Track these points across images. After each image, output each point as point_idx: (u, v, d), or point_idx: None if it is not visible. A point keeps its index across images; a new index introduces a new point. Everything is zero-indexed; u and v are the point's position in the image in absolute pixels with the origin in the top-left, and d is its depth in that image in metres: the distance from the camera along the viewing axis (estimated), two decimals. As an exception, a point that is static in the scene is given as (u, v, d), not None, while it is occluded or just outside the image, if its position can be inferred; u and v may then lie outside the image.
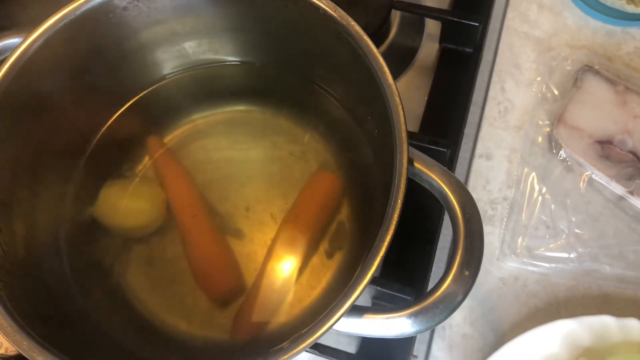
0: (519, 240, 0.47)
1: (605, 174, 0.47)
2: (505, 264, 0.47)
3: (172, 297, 0.43)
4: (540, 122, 0.51)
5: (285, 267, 0.43)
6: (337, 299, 0.31)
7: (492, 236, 0.48)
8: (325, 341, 0.45)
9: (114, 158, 0.47)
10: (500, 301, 0.47)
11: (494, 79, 0.53)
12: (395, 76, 0.35)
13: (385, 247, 0.32)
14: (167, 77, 0.48)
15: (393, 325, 0.33)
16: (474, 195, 0.35)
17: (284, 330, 0.41)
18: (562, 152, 0.49)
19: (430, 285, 0.36)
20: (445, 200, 0.35)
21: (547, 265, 0.47)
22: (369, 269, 0.32)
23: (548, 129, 0.50)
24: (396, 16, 0.57)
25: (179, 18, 0.43)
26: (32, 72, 0.38)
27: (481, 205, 0.49)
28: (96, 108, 0.46)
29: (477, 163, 0.51)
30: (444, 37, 0.55)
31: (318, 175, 0.46)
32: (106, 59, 0.43)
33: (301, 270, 0.43)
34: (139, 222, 0.45)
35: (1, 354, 0.42)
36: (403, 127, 0.34)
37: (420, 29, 0.56)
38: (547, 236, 0.47)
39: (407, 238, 0.46)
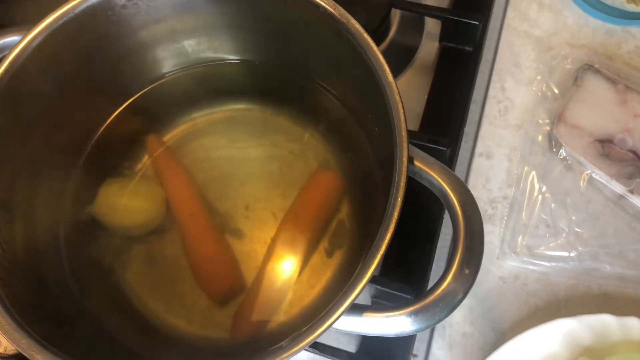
0: (519, 239, 0.47)
1: (605, 172, 0.47)
2: (505, 262, 0.47)
3: (171, 296, 0.43)
4: (541, 121, 0.51)
5: (285, 265, 0.43)
6: (337, 298, 0.31)
7: (492, 235, 0.48)
8: (325, 340, 0.45)
9: (114, 156, 0.46)
10: (500, 300, 0.46)
11: (494, 77, 0.53)
12: (395, 75, 0.35)
13: (385, 245, 0.32)
14: (166, 75, 0.48)
15: (393, 323, 0.33)
16: (474, 194, 0.35)
17: (283, 329, 0.41)
18: (562, 150, 0.49)
19: (430, 285, 0.36)
20: (446, 198, 0.35)
21: (547, 264, 0.47)
22: (369, 267, 0.31)
23: (548, 128, 0.50)
24: (396, 15, 0.57)
25: (178, 16, 0.43)
26: (31, 71, 0.38)
27: (481, 204, 0.49)
28: (95, 106, 0.45)
29: (477, 162, 0.51)
30: (444, 36, 0.54)
31: (318, 174, 0.46)
32: (105, 57, 0.43)
33: (301, 269, 0.43)
34: (138, 221, 0.45)
35: (0, 352, 0.42)
36: (403, 125, 0.34)
37: (420, 27, 0.56)
38: (547, 235, 0.47)
39: (407, 237, 0.46)
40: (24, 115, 0.39)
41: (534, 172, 0.49)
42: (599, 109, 0.49)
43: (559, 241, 0.47)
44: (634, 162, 0.47)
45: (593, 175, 0.48)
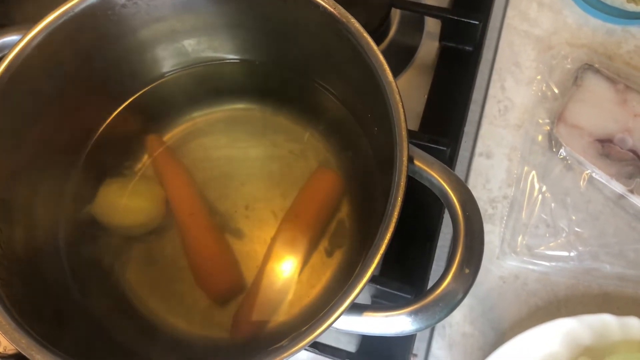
0: (519, 238, 0.47)
1: (605, 172, 0.47)
2: (505, 262, 0.47)
3: (171, 296, 0.43)
4: (541, 121, 0.51)
5: (285, 265, 0.43)
6: (337, 297, 0.31)
7: (492, 235, 0.48)
8: (325, 340, 0.45)
9: (113, 156, 0.46)
10: (500, 300, 0.46)
11: (494, 77, 0.53)
12: (395, 74, 0.35)
13: (385, 244, 0.32)
14: (166, 75, 0.48)
15: (393, 323, 0.33)
16: (474, 193, 0.35)
17: (283, 328, 0.41)
18: (562, 150, 0.49)
19: (430, 284, 0.36)
20: (446, 197, 0.35)
21: (547, 263, 0.47)
22: (369, 266, 0.31)
23: (548, 128, 0.50)
24: (396, 14, 0.57)
25: (178, 15, 0.43)
26: (31, 70, 0.38)
27: (481, 204, 0.49)
28: (95, 106, 0.45)
29: (477, 161, 0.51)
30: (443, 36, 0.54)
31: (318, 174, 0.46)
32: (105, 56, 0.43)
33: (301, 268, 0.43)
34: (138, 221, 0.45)
35: (0, 352, 0.42)
36: (403, 124, 0.34)
37: (420, 27, 0.56)
38: (547, 235, 0.47)
39: (407, 237, 0.46)
40: (23, 115, 0.39)
41: (534, 172, 0.49)
42: (599, 109, 0.49)
43: (559, 241, 0.47)
44: (633, 161, 0.47)
45: (593, 174, 0.48)
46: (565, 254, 0.47)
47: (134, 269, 0.44)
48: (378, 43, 0.36)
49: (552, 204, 0.48)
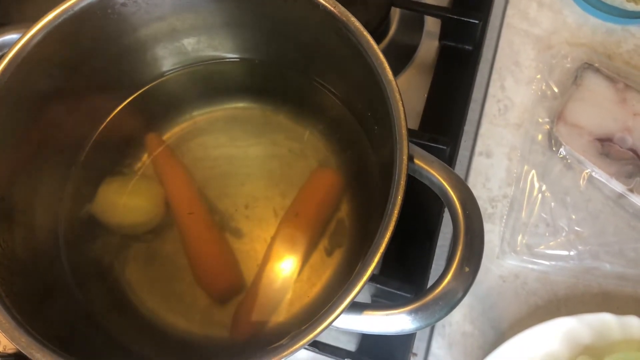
0: (519, 238, 0.47)
1: (605, 171, 0.47)
2: (505, 261, 0.47)
3: (171, 295, 0.43)
4: (540, 120, 0.51)
5: (285, 264, 0.43)
6: (337, 296, 0.31)
7: (492, 234, 0.48)
8: (324, 339, 0.45)
9: (113, 155, 0.46)
10: (500, 299, 0.46)
11: (494, 76, 0.53)
12: (395, 74, 0.35)
13: (385, 243, 0.32)
14: (166, 74, 0.48)
15: (393, 321, 0.33)
16: (474, 192, 0.35)
17: (283, 327, 0.41)
18: (562, 149, 0.49)
19: (430, 284, 0.36)
20: (446, 196, 0.35)
21: (547, 263, 0.47)
22: (368, 265, 0.31)
23: (548, 127, 0.50)
24: (396, 14, 0.57)
25: (178, 14, 0.43)
26: (30, 69, 0.38)
27: (481, 203, 0.49)
28: (95, 105, 0.45)
29: (477, 161, 0.51)
30: (443, 35, 0.54)
31: (318, 173, 0.46)
32: (105, 55, 0.43)
33: (301, 267, 0.43)
34: (137, 220, 0.45)
35: (0, 351, 0.42)
36: (403, 123, 0.34)
37: (419, 26, 0.56)
38: (547, 234, 0.47)
39: (406, 236, 0.46)
40: (23, 113, 0.39)
41: (533, 171, 0.49)
42: (598, 108, 0.49)
43: (559, 240, 0.47)
44: (633, 160, 0.47)
45: (593, 174, 0.48)
46: (565, 253, 0.47)
47: (134, 268, 0.44)
48: (378, 42, 0.36)
49: (552, 203, 0.48)
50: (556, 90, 0.51)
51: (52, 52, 0.38)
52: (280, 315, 0.42)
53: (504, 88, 0.53)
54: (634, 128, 0.48)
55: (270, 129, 0.47)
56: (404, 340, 0.44)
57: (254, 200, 0.45)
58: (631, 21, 0.53)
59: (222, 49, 0.47)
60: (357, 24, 0.36)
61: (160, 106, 0.48)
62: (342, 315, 0.31)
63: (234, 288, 0.43)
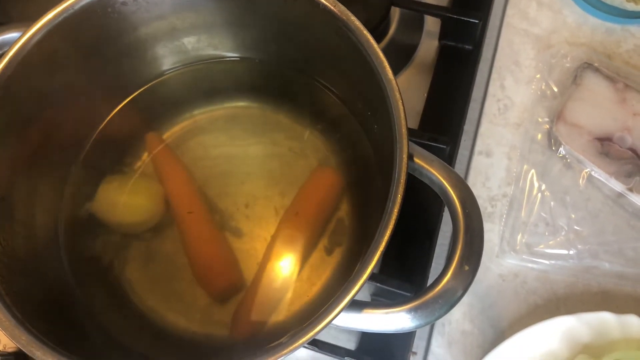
0: (519, 237, 0.47)
1: (604, 171, 0.47)
2: (504, 260, 0.47)
3: (171, 294, 0.43)
4: (540, 119, 0.51)
5: (285, 263, 0.43)
6: (337, 294, 0.31)
7: (491, 233, 0.48)
8: (324, 337, 0.45)
9: (113, 154, 0.46)
10: (499, 298, 0.47)
11: (494, 76, 0.53)
12: (395, 73, 0.35)
13: (385, 242, 0.32)
14: (166, 72, 0.48)
15: (393, 320, 0.33)
16: (474, 192, 0.35)
17: (283, 326, 0.41)
18: (561, 149, 0.49)
19: (429, 283, 0.36)
20: (445, 195, 0.35)
21: (546, 262, 0.47)
22: (368, 264, 0.32)
23: (547, 126, 0.50)
24: (396, 13, 0.57)
25: (178, 13, 0.43)
26: (31, 67, 0.38)
27: (481, 202, 0.49)
28: (95, 103, 0.45)
29: (477, 160, 0.51)
30: (443, 34, 0.55)
31: (318, 172, 0.46)
32: (105, 54, 0.43)
33: (301, 266, 0.43)
34: (137, 218, 0.45)
35: (0, 350, 0.42)
36: (403, 122, 0.34)
37: (419, 26, 0.56)
38: (546, 233, 0.47)
39: (406, 235, 0.46)
40: (23, 112, 0.39)
41: (533, 171, 0.49)
42: (598, 108, 0.49)
43: (558, 239, 0.47)
44: (633, 160, 0.47)
45: (592, 173, 0.48)
46: (565, 252, 0.47)
47: (134, 267, 0.44)
48: (378, 41, 0.36)
49: (552, 203, 0.48)
50: (556, 89, 0.51)
51: (52, 51, 0.38)
52: (280, 314, 0.42)
53: (504, 87, 0.53)
54: (634, 127, 0.48)
55: (270, 128, 0.47)
56: (404, 339, 0.44)
57: (254, 200, 0.45)
58: (631, 21, 0.53)
59: (222, 47, 0.47)
60: (357, 23, 0.36)
61: (160, 105, 0.48)
62: (342, 314, 0.31)
63: (234, 287, 0.43)
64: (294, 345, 0.31)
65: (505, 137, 0.51)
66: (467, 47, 0.54)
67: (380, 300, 0.46)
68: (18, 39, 0.37)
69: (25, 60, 0.37)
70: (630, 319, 0.42)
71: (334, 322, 0.31)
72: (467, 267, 0.32)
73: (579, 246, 0.47)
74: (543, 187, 0.49)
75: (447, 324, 0.46)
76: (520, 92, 0.53)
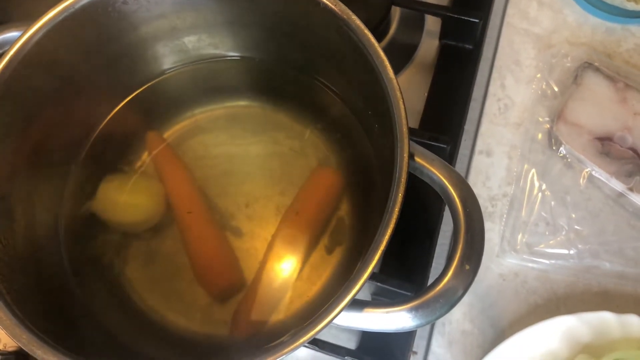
0: (519, 236, 0.47)
1: (605, 170, 0.47)
2: (505, 260, 0.47)
3: (171, 293, 0.43)
4: (540, 119, 0.51)
5: (285, 263, 0.43)
6: (338, 294, 0.31)
7: (492, 233, 0.48)
8: (324, 337, 0.45)
9: (113, 153, 0.46)
10: (500, 297, 0.47)
11: (494, 75, 0.53)
12: (395, 72, 0.35)
13: (385, 241, 0.32)
14: (166, 72, 0.48)
15: (393, 319, 0.33)
16: (474, 191, 0.35)
17: (283, 325, 0.41)
18: (562, 148, 0.49)
19: (430, 282, 0.36)
20: (446, 194, 0.35)
21: (546, 261, 0.47)
22: (369, 263, 0.32)
23: (548, 126, 0.50)
24: (396, 12, 0.57)
25: (178, 12, 0.43)
26: (31, 66, 0.38)
27: (481, 202, 0.49)
28: (95, 102, 0.45)
29: (477, 159, 0.51)
30: (444, 34, 0.55)
31: (318, 171, 0.46)
32: (106, 53, 0.43)
33: (301, 266, 0.43)
34: (138, 218, 0.45)
35: (0, 349, 0.42)
36: (404, 121, 0.34)
37: (420, 25, 0.56)
38: (546, 233, 0.47)
39: (407, 234, 0.46)
40: (24, 111, 0.39)
41: (533, 170, 0.49)
42: (598, 107, 0.49)
43: (559, 239, 0.47)
44: (633, 160, 0.47)
45: (593, 173, 0.48)
46: (565, 251, 0.47)
47: (134, 266, 0.44)
48: (378, 41, 0.36)
49: (552, 202, 0.48)
50: (556, 89, 0.51)
51: (52, 50, 0.38)
52: (281, 314, 0.42)
53: (504, 87, 0.53)
54: (634, 127, 0.48)
55: (271, 128, 0.47)
56: (404, 338, 0.44)
57: (254, 199, 0.45)
58: (631, 20, 0.53)
59: (223, 47, 0.47)
60: (358, 22, 0.36)
61: (161, 104, 0.48)
62: (342, 313, 0.31)
63: (234, 286, 0.43)
64: (295, 345, 0.31)
65: (505, 136, 0.51)
66: (467, 46, 0.54)
67: (381, 299, 0.46)
68: (18, 38, 0.37)
69: (26, 60, 0.37)
70: (631, 319, 0.42)
71: (334, 321, 0.31)
72: (467, 267, 0.32)
73: (580, 246, 0.47)
74: (543, 186, 0.49)
75: (447, 323, 0.46)
76: (520, 92, 0.53)
